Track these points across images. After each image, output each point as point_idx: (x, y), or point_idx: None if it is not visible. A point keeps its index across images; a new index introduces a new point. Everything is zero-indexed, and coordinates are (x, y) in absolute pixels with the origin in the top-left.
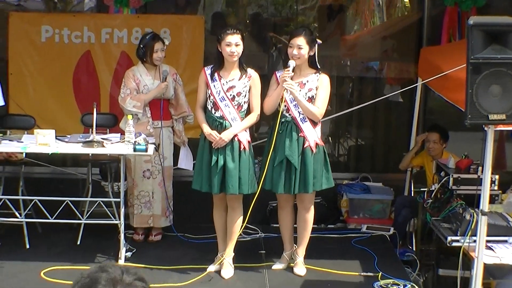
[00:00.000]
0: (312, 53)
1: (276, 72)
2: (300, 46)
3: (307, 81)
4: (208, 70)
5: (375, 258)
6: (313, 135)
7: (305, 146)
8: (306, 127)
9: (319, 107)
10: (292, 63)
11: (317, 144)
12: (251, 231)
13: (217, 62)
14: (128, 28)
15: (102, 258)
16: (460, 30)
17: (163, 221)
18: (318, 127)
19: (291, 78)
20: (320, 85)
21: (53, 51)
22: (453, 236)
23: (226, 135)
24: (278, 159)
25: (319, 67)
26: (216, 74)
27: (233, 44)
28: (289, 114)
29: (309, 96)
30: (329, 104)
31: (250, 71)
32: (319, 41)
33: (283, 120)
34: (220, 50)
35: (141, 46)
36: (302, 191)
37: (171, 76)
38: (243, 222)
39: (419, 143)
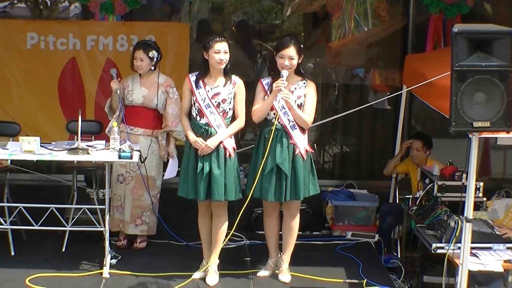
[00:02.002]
0: (300, 61)
1: (262, 80)
2: (292, 57)
3: (295, 88)
4: (192, 77)
5: (360, 265)
6: (302, 142)
7: (295, 153)
8: (296, 134)
9: (309, 115)
10: (285, 72)
11: (306, 151)
12: (236, 238)
13: (202, 69)
14: (113, 35)
15: (87, 265)
16: (445, 37)
17: (131, 228)
18: (306, 134)
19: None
20: (307, 92)
21: (39, 58)
22: (438, 243)
23: (212, 142)
24: (268, 167)
25: (302, 72)
26: (200, 81)
27: (222, 51)
28: (279, 122)
29: (298, 104)
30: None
31: (235, 78)
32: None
33: (272, 127)
34: (206, 57)
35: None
36: (293, 198)
37: (163, 87)
38: (229, 230)
39: (403, 149)
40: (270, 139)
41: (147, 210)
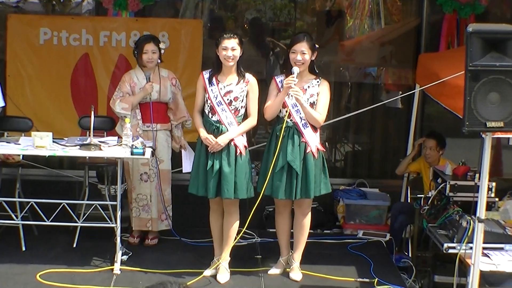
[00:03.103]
0: (313, 58)
1: (276, 77)
2: (304, 52)
3: (308, 86)
4: (206, 74)
5: (371, 264)
6: (314, 141)
7: (307, 151)
8: (308, 132)
9: (321, 113)
10: (296, 69)
11: (318, 150)
12: (247, 236)
13: (216, 66)
14: (126, 31)
15: (98, 261)
16: (459, 37)
17: (159, 224)
18: (318, 132)
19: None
20: (321, 91)
21: (51, 53)
22: (450, 243)
23: (222, 140)
24: (279, 164)
25: (317, 71)
26: (214, 79)
27: (229, 48)
28: (291, 120)
29: (310, 102)
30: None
31: (248, 76)
32: (316, 45)
33: (284, 125)
34: (218, 54)
35: (135, 46)
36: (303, 196)
37: (169, 81)
38: (242, 227)
39: (416, 148)
40: (281, 137)
41: (169, 204)
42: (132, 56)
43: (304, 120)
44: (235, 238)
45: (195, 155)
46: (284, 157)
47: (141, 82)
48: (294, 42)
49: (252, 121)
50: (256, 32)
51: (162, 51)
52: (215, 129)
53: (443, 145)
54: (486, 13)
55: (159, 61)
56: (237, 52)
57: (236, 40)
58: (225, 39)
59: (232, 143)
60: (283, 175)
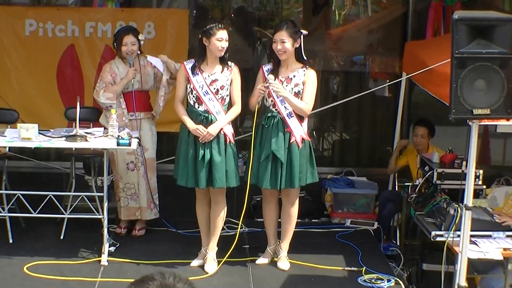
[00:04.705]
0: (297, 45)
1: (263, 66)
2: (283, 40)
3: (294, 76)
4: (188, 65)
5: (359, 253)
6: (299, 130)
7: (291, 141)
8: (292, 122)
9: (307, 103)
10: (270, 77)
11: (303, 139)
12: (234, 226)
13: (200, 55)
14: (112, 21)
15: (85, 253)
16: (445, 24)
17: (148, 213)
18: (305, 122)
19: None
20: (307, 80)
21: (37, 44)
22: (437, 230)
23: (213, 129)
24: (264, 153)
25: (305, 59)
26: (197, 68)
27: (224, 39)
28: (276, 109)
29: (295, 92)
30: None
31: (231, 64)
32: (304, 32)
33: (269, 114)
34: (206, 44)
35: (114, 38)
36: (288, 186)
37: (149, 67)
38: (231, 218)
39: (397, 149)
40: (266, 126)
41: (156, 193)
42: None
43: (289, 110)
44: (235, 235)
45: (181, 147)
46: (268, 146)
47: (121, 72)
48: (275, 31)
49: (237, 109)
50: (242, 21)
51: (142, 42)
52: (204, 119)
53: (433, 132)
54: (472, 0)
55: (139, 52)
56: (227, 43)
57: (226, 31)
58: (219, 29)
59: (221, 132)
60: (268, 164)
